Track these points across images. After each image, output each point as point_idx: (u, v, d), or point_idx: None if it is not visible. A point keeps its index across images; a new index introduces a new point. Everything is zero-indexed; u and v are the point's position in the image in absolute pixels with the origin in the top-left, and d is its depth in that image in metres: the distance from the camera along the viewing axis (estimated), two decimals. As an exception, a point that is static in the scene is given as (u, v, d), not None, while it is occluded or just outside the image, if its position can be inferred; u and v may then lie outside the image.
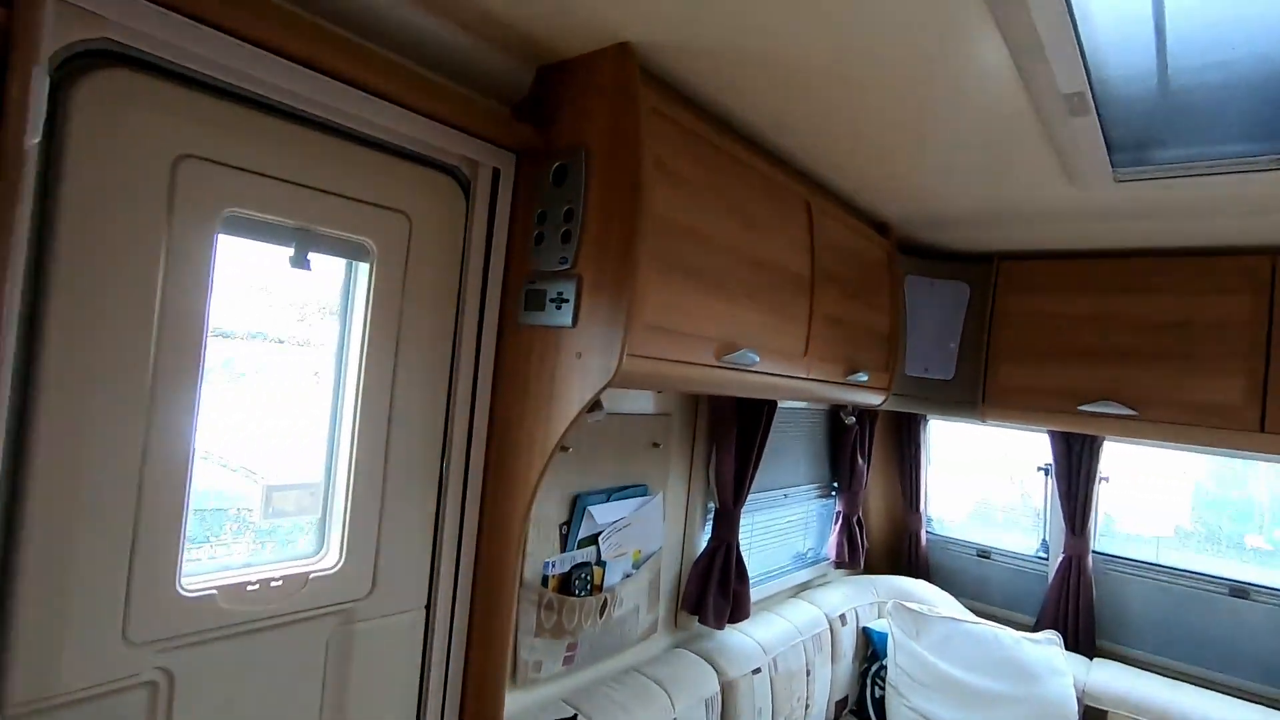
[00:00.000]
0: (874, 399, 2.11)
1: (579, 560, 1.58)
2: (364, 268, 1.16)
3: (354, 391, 1.15)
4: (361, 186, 1.11)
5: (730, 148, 1.39)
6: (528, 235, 1.28)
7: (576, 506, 1.57)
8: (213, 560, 1.05)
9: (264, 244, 1.03)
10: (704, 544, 2.04)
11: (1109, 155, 1.37)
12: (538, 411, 1.24)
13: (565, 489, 1.56)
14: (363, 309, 1.15)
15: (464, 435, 1.29)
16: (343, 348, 1.18)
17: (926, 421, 2.92)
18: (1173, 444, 1.90)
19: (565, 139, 1.25)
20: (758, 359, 1.42)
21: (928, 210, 1.94)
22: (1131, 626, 2.46)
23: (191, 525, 0.98)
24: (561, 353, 1.20)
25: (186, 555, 0.97)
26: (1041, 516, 2.71)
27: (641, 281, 1.15)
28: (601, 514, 1.62)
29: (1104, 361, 1.98)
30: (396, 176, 1.16)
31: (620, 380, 1.15)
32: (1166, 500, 2.58)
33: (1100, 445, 2.41)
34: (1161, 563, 2.45)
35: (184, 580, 0.97)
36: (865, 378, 1.92)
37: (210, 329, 0.97)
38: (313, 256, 1.08)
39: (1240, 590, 2.28)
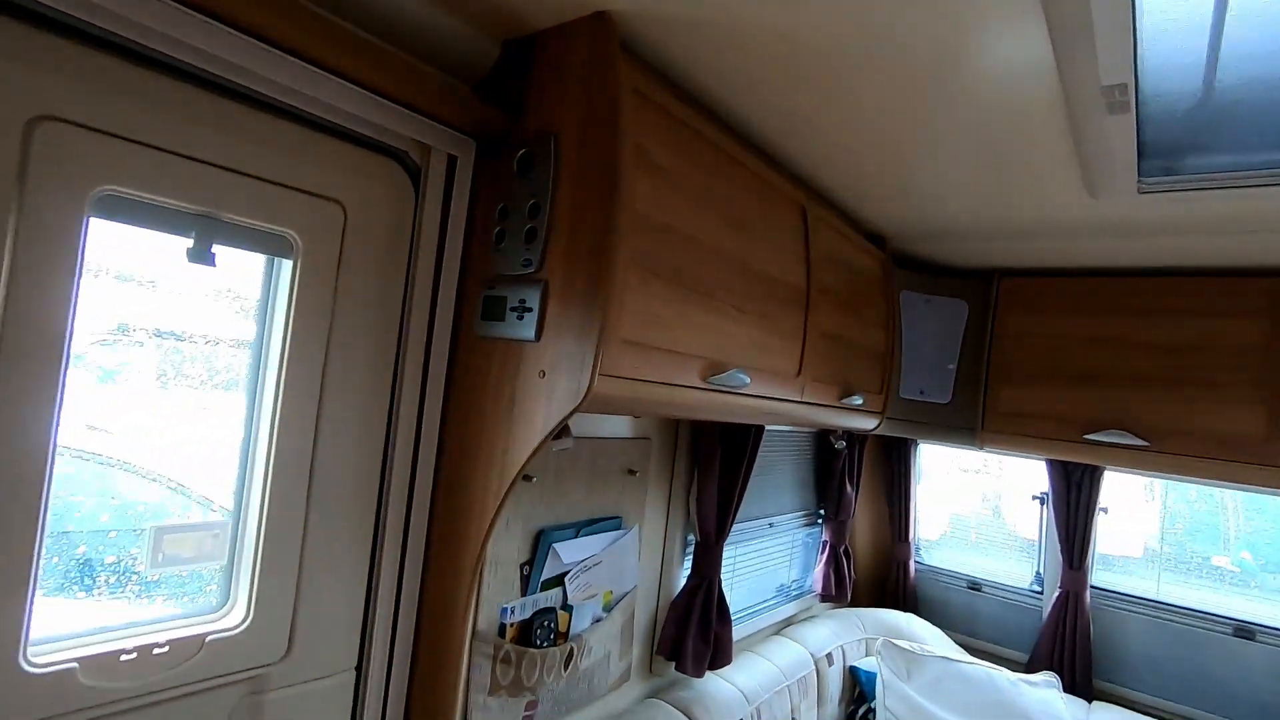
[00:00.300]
0: (868, 423, 1.96)
1: (542, 605, 1.39)
2: (287, 265, 0.97)
3: (272, 411, 0.96)
4: (283, 168, 0.93)
5: (720, 140, 1.23)
6: (487, 233, 1.10)
7: (540, 543, 1.39)
8: (80, 620, 0.85)
9: (154, 232, 0.84)
10: (683, 581, 1.86)
11: (1138, 162, 1.24)
12: (495, 437, 1.06)
13: (528, 524, 1.38)
14: (284, 314, 0.97)
15: (407, 463, 1.10)
16: (261, 360, 0.99)
17: (917, 445, 2.78)
18: (1186, 478, 1.78)
19: (533, 123, 1.08)
20: (748, 380, 1.26)
21: (927, 221, 1.80)
22: (1129, 666, 2.33)
23: (56, 562, 0.78)
24: (523, 370, 1.03)
25: (38, 616, 0.77)
26: (1036, 546, 2.58)
27: (617, 289, 0.98)
28: (569, 552, 1.43)
29: (1112, 387, 1.86)
30: (329, 158, 0.98)
31: (591, 404, 0.98)
32: (1134, 521, 2.48)
33: (1101, 475, 2.28)
34: (1162, 599, 2.33)
35: (31, 651, 0.76)
36: (860, 401, 1.76)
37: (79, 330, 0.78)
38: (219, 250, 0.89)
39: (1245, 630, 2.16)
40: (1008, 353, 2.03)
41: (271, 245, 0.94)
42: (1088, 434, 1.86)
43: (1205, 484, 2.16)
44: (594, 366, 0.95)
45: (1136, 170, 1.27)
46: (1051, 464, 2.34)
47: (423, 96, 1.01)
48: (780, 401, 1.47)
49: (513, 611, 1.34)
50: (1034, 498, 2.55)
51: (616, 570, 1.58)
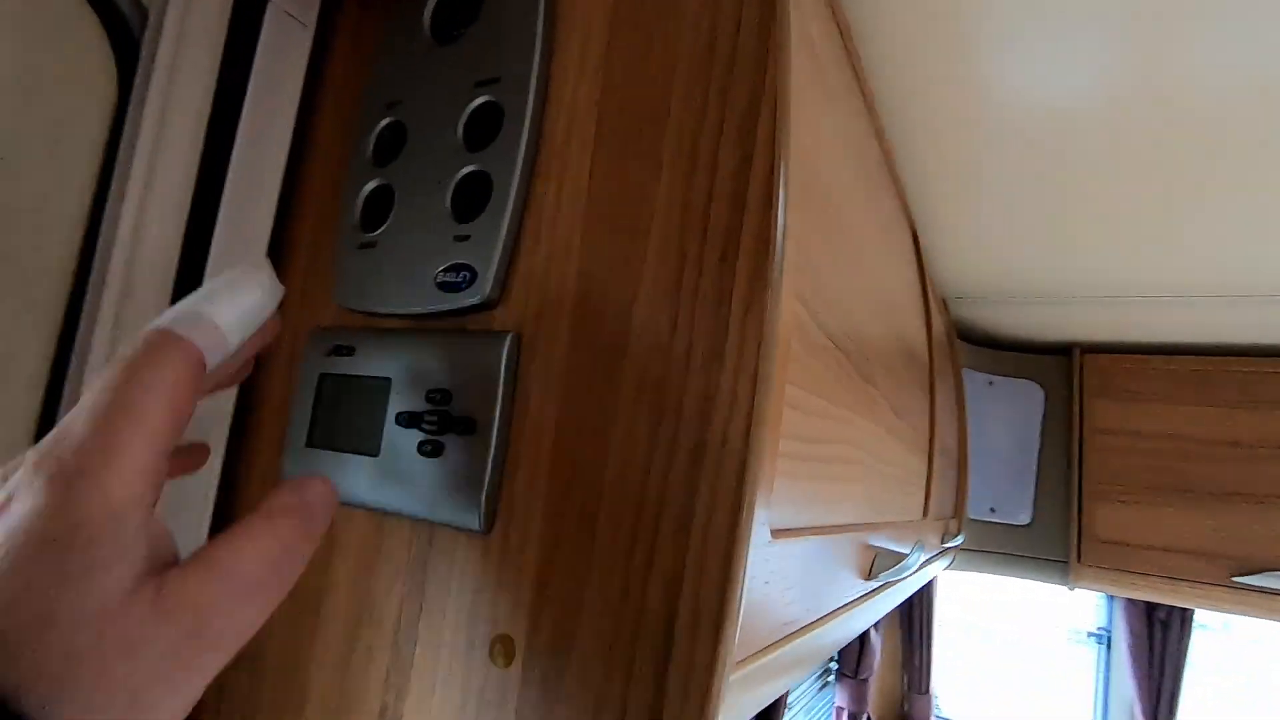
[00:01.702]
0: (941, 564, 1.34)
1: None
2: None
3: None
4: None
5: (865, 87, 0.59)
6: (342, 191, 0.39)
7: None
8: None
9: None
10: None
11: None
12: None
13: None
14: None
15: None
16: None
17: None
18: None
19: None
20: (915, 559, 0.59)
21: (999, 278, 1.22)
22: None
23: None
24: (429, 631, 0.30)
25: None
26: (1093, 698, 2.02)
27: (776, 375, 0.28)
28: None
29: (1261, 510, 1.34)
30: None
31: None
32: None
33: (1193, 614, 1.77)
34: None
35: None
36: (962, 539, 1.14)
37: None
38: None
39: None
40: (1105, 456, 1.49)
41: None
42: (1239, 576, 1.32)
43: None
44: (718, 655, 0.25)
45: None
46: (1129, 599, 1.80)
47: None
48: (900, 578, 0.80)
49: None
50: (1090, 635, 2.00)
51: None
